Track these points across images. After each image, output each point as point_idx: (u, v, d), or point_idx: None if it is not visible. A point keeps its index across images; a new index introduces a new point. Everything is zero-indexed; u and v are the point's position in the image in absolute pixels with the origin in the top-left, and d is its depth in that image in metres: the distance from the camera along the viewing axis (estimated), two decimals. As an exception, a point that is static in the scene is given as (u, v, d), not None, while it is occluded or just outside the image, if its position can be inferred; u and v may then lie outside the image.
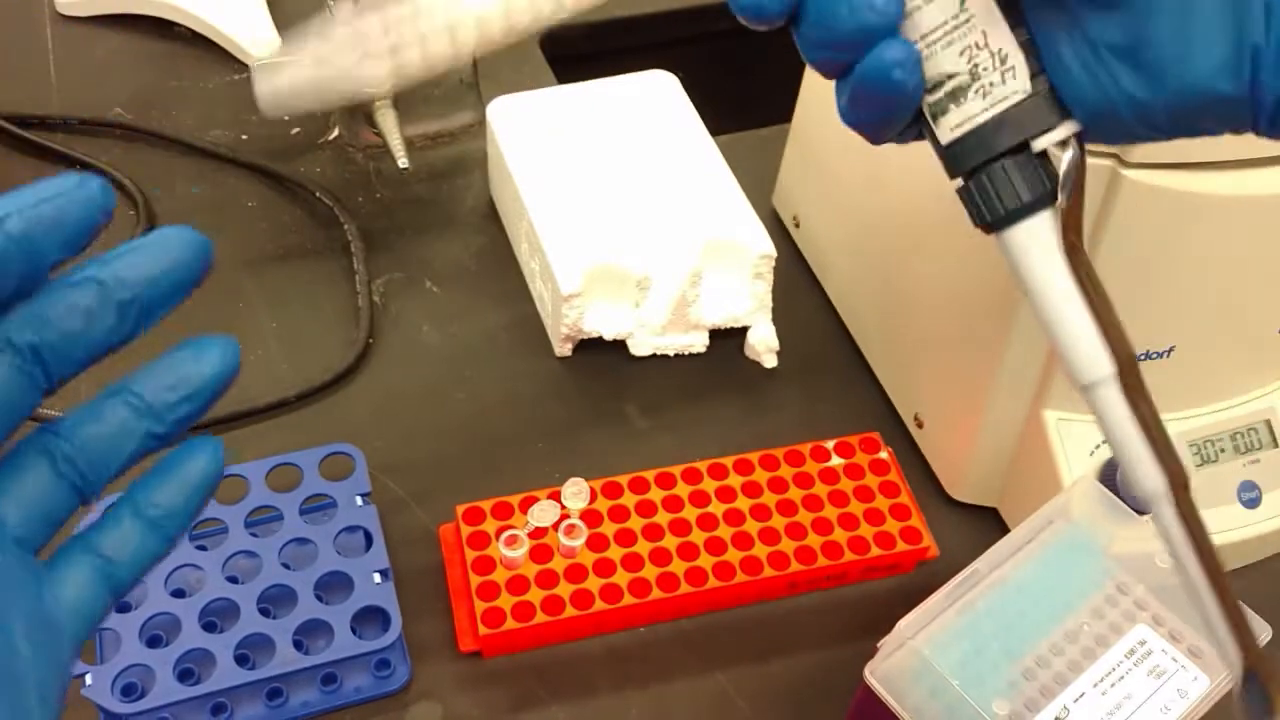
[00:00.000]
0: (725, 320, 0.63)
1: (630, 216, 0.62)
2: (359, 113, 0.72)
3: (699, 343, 0.63)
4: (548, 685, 0.51)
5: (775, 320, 0.63)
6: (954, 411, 0.56)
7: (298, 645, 0.48)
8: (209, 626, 0.48)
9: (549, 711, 0.50)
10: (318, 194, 0.70)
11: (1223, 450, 0.53)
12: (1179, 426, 0.53)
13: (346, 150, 0.74)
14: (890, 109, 0.30)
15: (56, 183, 0.28)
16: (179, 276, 0.31)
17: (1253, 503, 0.53)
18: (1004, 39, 0.29)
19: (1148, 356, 0.50)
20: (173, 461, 0.31)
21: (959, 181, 0.31)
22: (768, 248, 0.61)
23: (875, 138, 0.32)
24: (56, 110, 0.75)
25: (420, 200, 0.71)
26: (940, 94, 0.30)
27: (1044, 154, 0.29)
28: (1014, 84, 0.29)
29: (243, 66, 0.78)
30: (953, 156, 0.30)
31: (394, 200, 0.71)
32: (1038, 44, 0.29)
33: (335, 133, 0.74)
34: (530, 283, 0.66)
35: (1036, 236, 0.30)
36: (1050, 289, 0.30)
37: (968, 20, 0.29)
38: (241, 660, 0.47)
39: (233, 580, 0.50)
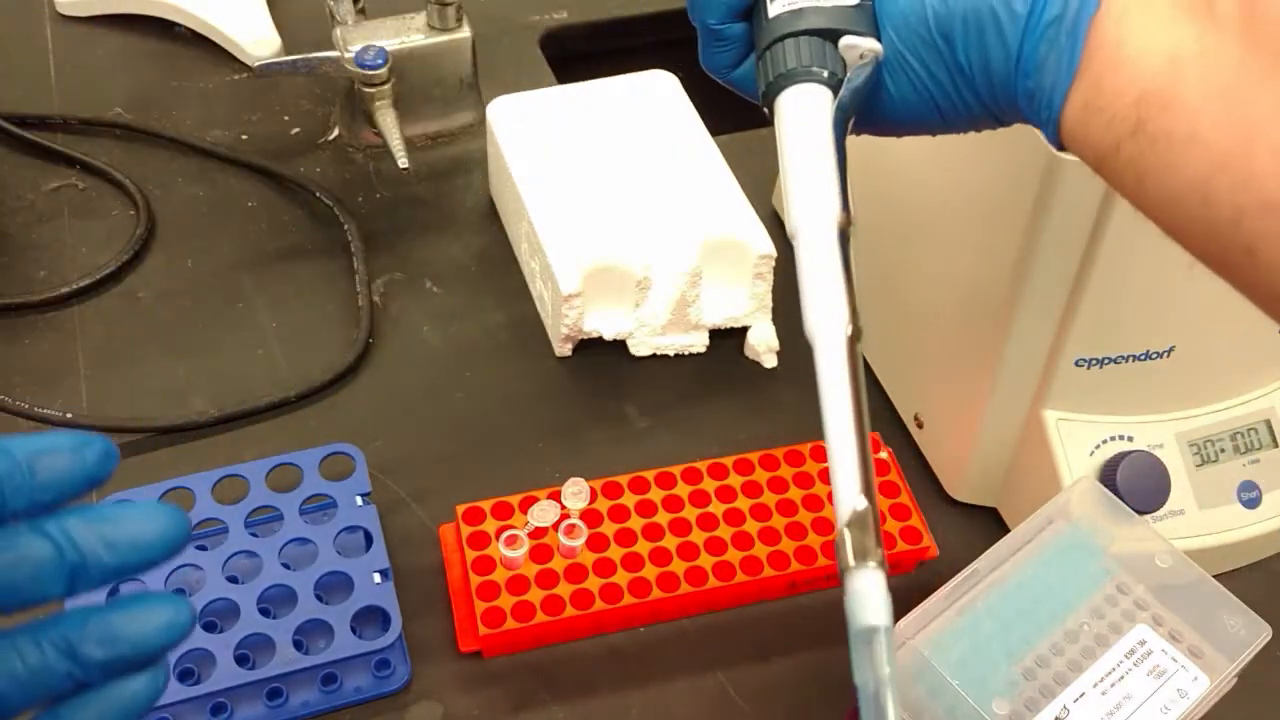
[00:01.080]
0: (725, 320, 0.63)
1: (630, 216, 0.62)
2: (359, 113, 0.72)
3: (699, 343, 0.63)
4: (548, 685, 0.51)
5: (775, 320, 0.63)
6: (954, 411, 0.56)
7: (298, 645, 0.48)
8: (209, 626, 0.48)
9: (549, 711, 0.50)
10: (318, 194, 0.70)
11: (1223, 450, 0.53)
12: (1179, 426, 0.53)
13: (346, 150, 0.74)
14: None
15: (58, 440, 0.29)
16: (146, 554, 0.31)
17: (1253, 502, 0.53)
18: None
19: (1148, 356, 0.50)
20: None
21: (761, 58, 0.35)
22: (768, 248, 0.61)
23: (711, 13, 0.36)
24: (56, 110, 0.75)
25: (420, 200, 0.71)
26: None
27: (842, 55, 0.34)
28: None
29: (243, 67, 0.78)
30: (771, 28, 0.34)
31: (394, 200, 0.71)
32: None
33: (335, 133, 0.74)
34: (530, 283, 0.66)
35: (810, 104, 0.34)
36: (809, 150, 0.34)
37: None
38: (241, 660, 0.47)
39: (233, 580, 0.50)
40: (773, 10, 0.35)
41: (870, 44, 0.34)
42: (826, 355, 0.32)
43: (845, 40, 0.33)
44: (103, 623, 0.30)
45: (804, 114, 0.34)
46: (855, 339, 0.33)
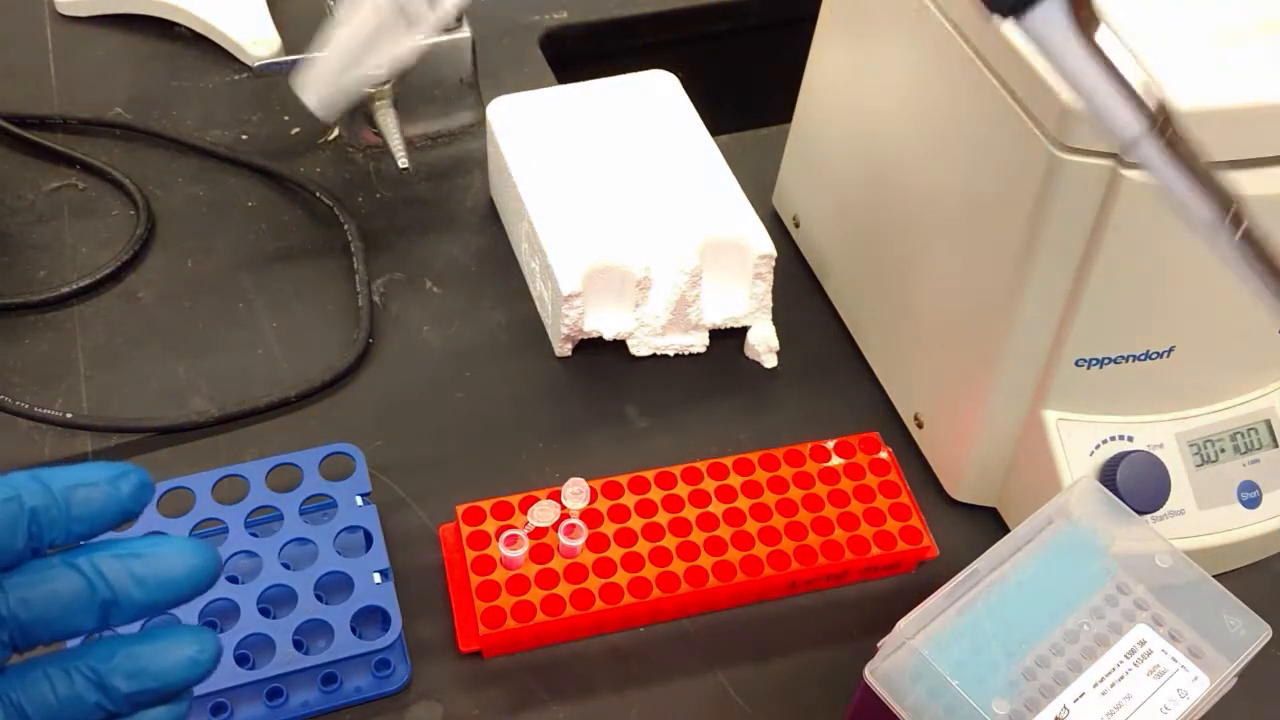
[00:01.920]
0: (725, 320, 0.63)
1: (630, 216, 0.62)
2: (359, 113, 0.72)
3: (699, 343, 0.63)
4: (548, 685, 0.51)
5: (775, 320, 0.63)
6: (954, 411, 0.56)
7: (298, 645, 0.48)
8: (209, 626, 0.48)
9: (549, 711, 0.50)
10: (318, 194, 0.70)
11: (1223, 450, 0.53)
12: (1179, 426, 0.53)
13: (346, 150, 0.74)
14: None
15: (94, 472, 0.30)
16: (176, 591, 0.32)
17: (1253, 503, 0.53)
18: None
19: (1148, 356, 0.50)
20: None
21: None
22: (768, 248, 0.61)
23: None
24: (57, 110, 0.75)
25: (420, 200, 0.71)
26: None
27: None
28: None
29: (243, 67, 0.78)
30: None
31: (394, 200, 0.71)
32: None
33: (335, 133, 0.74)
34: (530, 283, 0.66)
35: (1048, 20, 0.33)
36: (1073, 65, 0.33)
37: None
38: (241, 660, 0.47)
39: (233, 580, 0.50)
40: None
41: None
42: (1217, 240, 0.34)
43: None
44: (130, 655, 0.31)
45: (1051, 40, 0.33)
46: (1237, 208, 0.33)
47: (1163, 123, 0.33)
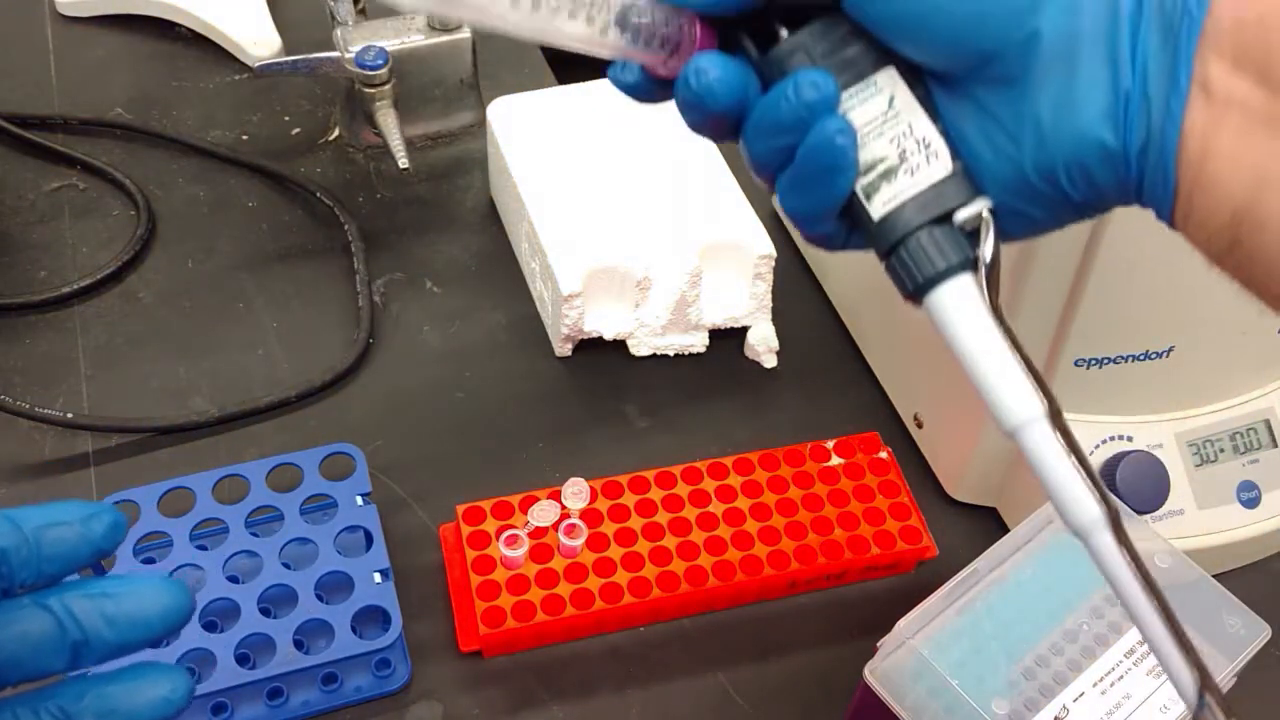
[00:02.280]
0: (725, 320, 0.63)
1: (630, 216, 0.62)
2: (359, 113, 0.72)
3: (699, 343, 0.63)
4: (548, 685, 0.51)
5: (775, 320, 0.63)
6: (953, 411, 0.56)
7: (298, 645, 0.48)
8: (209, 626, 0.48)
9: (549, 711, 0.50)
10: (318, 194, 0.70)
11: (1222, 450, 0.53)
12: (1179, 426, 0.53)
13: (346, 150, 0.74)
14: (830, 185, 0.33)
15: (67, 511, 0.30)
16: (148, 631, 0.31)
17: (1252, 502, 0.53)
18: (926, 128, 0.32)
19: (1148, 356, 0.50)
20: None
21: (888, 260, 0.34)
22: (768, 248, 0.61)
23: (813, 225, 0.34)
24: (57, 110, 0.75)
25: (420, 200, 0.71)
26: (873, 175, 0.32)
27: (962, 227, 0.32)
28: (937, 164, 0.32)
29: (243, 67, 0.78)
30: (882, 231, 0.33)
31: (394, 200, 0.71)
32: (949, 130, 0.32)
33: (335, 133, 0.74)
34: (530, 283, 0.66)
35: (961, 297, 0.32)
36: (978, 344, 0.32)
37: (895, 114, 0.32)
38: (242, 660, 0.47)
39: (233, 580, 0.50)
40: (875, 211, 0.33)
41: (982, 204, 0.32)
42: (1100, 549, 0.31)
43: (959, 216, 0.32)
44: (100, 695, 0.30)
45: (963, 311, 0.32)
46: (1116, 519, 0.31)
47: (1055, 411, 0.32)
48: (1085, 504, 0.31)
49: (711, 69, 0.32)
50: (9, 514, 0.30)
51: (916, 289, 0.33)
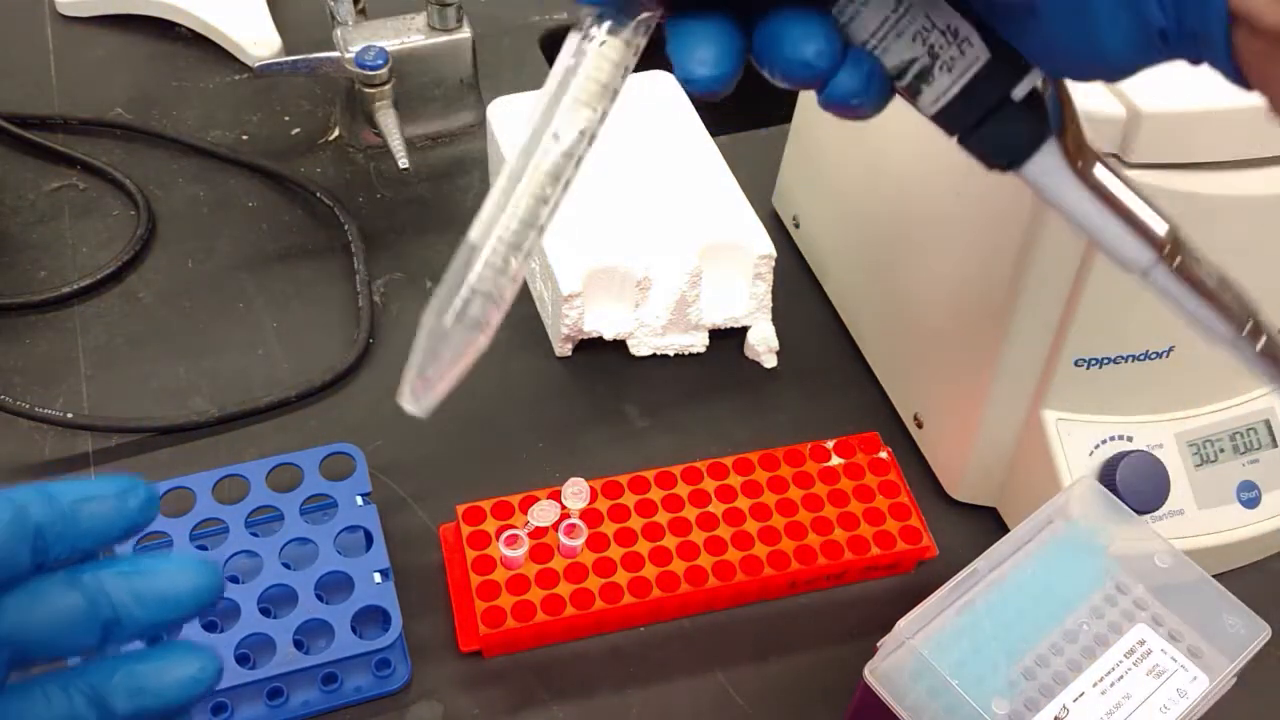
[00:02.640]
0: (725, 320, 0.63)
1: (630, 216, 0.62)
2: (359, 113, 0.72)
3: (699, 343, 0.63)
4: (548, 685, 0.51)
5: (775, 320, 0.63)
6: (953, 411, 0.56)
7: (298, 645, 0.48)
8: (209, 626, 0.48)
9: (549, 711, 0.50)
10: (318, 194, 0.70)
11: (1222, 450, 0.53)
12: (1179, 426, 0.53)
13: (346, 150, 0.74)
14: (862, 115, 0.32)
15: (102, 486, 0.30)
16: (179, 609, 0.31)
17: (1252, 502, 0.53)
18: (948, 15, 0.30)
19: (1147, 356, 0.50)
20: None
21: (974, 134, 0.32)
22: (768, 248, 0.61)
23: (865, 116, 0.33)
24: (57, 110, 0.75)
25: (420, 200, 0.71)
26: (909, 78, 0.31)
27: (1026, 98, 0.31)
28: (972, 52, 0.30)
29: (243, 67, 0.78)
30: (943, 124, 0.32)
31: (394, 200, 0.71)
32: (971, 4, 0.30)
33: (335, 133, 0.74)
34: (530, 283, 0.66)
35: (1045, 168, 0.32)
36: (1075, 206, 0.32)
37: (907, 10, 0.30)
38: (242, 660, 0.47)
39: (233, 580, 0.50)
40: (926, 110, 0.31)
41: (1033, 79, 0.31)
42: (1250, 359, 0.33)
43: (1016, 93, 0.30)
44: (130, 674, 0.30)
45: (1049, 178, 0.32)
46: (1255, 322, 0.33)
47: (1171, 249, 0.32)
48: (1220, 328, 0.33)
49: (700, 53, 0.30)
50: (45, 488, 0.30)
51: (1003, 168, 0.32)
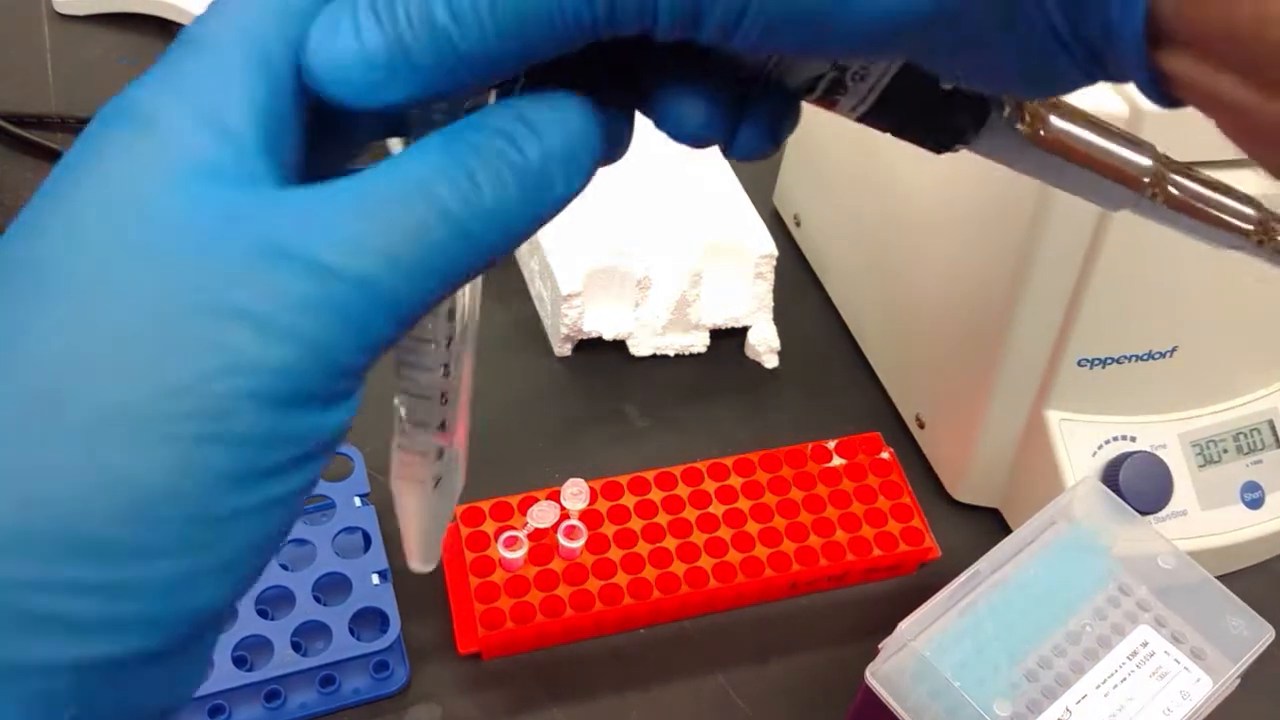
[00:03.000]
0: (726, 320, 0.62)
1: (630, 216, 0.62)
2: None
3: (699, 343, 0.63)
4: (547, 687, 0.50)
5: (776, 320, 0.63)
6: (956, 412, 0.56)
7: (296, 647, 0.48)
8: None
9: (549, 713, 0.50)
10: (317, 193, 0.70)
11: (1225, 451, 0.53)
12: (1182, 427, 0.52)
13: (346, 150, 0.74)
14: (772, 153, 0.30)
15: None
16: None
17: (1256, 503, 0.53)
18: None
19: (1150, 357, 0.50)
20: None
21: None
22: (768, 248, 0.61)
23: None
24: (54, 109, 0.74)
25: (419, 200, 0.71)
26: (819, 92, 0.29)
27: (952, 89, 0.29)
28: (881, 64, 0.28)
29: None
30: (871, 124, 0.30)
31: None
32: None
33: (334, 132, 0.74)
34: (530, 283, 0.66)
35: (995, 144, 0.30)
36: (1038, 169, 0.30)
37: None
38: (239, 662, 0.47)
39: (231, 581, 0.50)
40: (848, 116, 0.29)
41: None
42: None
43: (945, 81, 0.28)
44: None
45: (1004, 155, 0.30)
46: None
47: (1154, 178, 0.30)
48: (1226, 238, 0.31)
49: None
50: None
51: (944, 151, 0.30)
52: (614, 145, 0.28)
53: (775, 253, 0.61)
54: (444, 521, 0.31)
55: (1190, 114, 0.35)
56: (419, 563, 0.31)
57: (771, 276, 0.62)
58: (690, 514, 0.53)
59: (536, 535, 0.52)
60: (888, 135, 0.31)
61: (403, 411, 0.28)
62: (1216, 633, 0.44)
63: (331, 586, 0.50)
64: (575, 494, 0.53)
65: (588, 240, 0.61)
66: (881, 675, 0.42)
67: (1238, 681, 0.44)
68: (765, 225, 0.62)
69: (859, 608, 0.54)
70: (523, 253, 0.66)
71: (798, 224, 0.69)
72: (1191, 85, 0.24)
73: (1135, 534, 0.47)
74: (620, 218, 0.62)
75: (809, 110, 0.30)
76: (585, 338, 0.62)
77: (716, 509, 0.53)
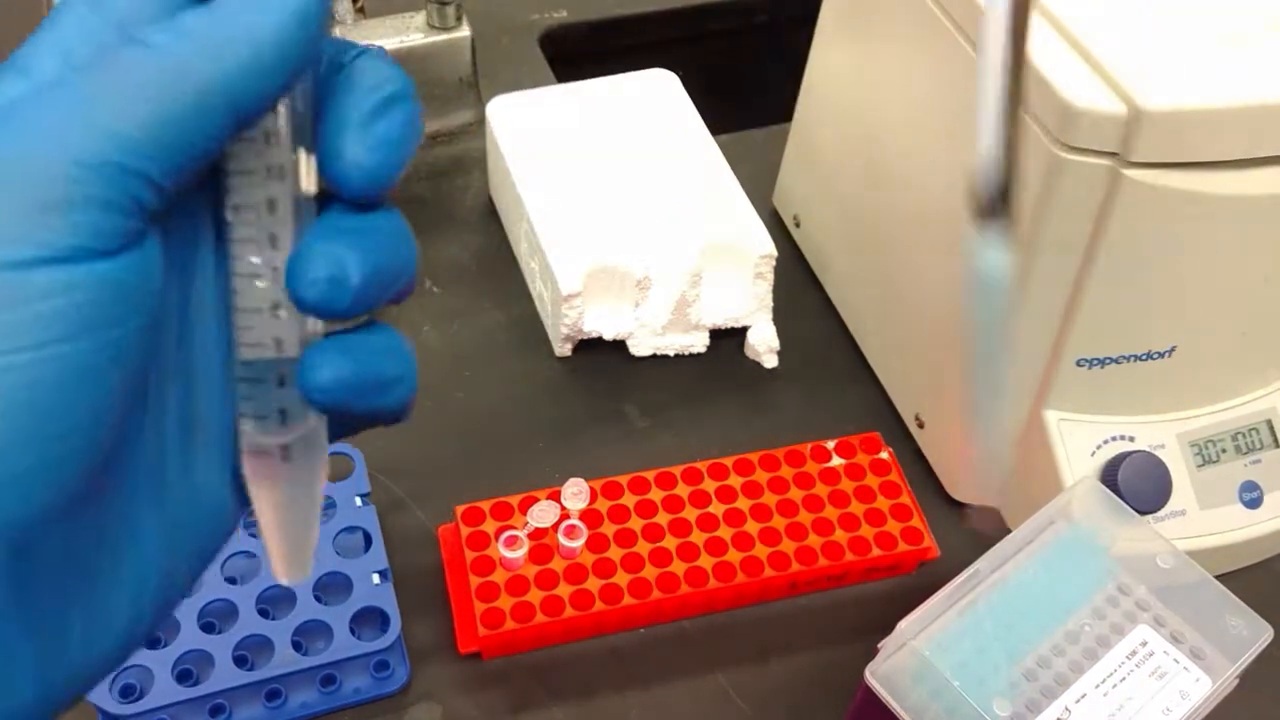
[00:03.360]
0: (725, 320, 0.62)
1: (630, 216, 0.62)
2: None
3: (699, 343, 0.63)
4: (547, 686, 0.51)
5: (775, 320, 0.63)
6: (955, 412, 0.56)
7: (296, 646, 0.48)
8: (207, 627, 0.48)
9: (549, 713, 0.50)
10: (317, 194, 0.70)
11: (1224, 451, 0.53)
12: (1181, 427, 0.53)
13: (346, 150, 0.74)
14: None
15: None
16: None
17: (1254, 503, 0.53)
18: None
19: (1149, 357, 0.50)
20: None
21: None
22: (768, 248, 0.61)
23: None
24: (55, 110, 0.74)
25: (419, 200, 0.71)
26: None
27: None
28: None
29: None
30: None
31: (394, 200, 0.71)
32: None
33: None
34: (530, 283, 0.66)
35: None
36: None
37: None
38: (240, 661, 0.47)
39: (231, 581, 0.50)
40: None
41: None
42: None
43: None
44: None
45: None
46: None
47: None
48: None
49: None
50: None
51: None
52: None
53: (775, 253, 0.61)
54: (312, 522, 0.28)
55: (1190, 114, 0.35)
56: (285, 572, 0.27)
57: (771, 276, 0.62)
58: (690, 514, 0.53)
59: (537, 535, 0.52)
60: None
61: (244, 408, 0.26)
62: (1215, 632, 0.44)
63: (332, 586, 0.50)
64: (575, 494, 0.53)
65: (588, 240, 0.61)
66: (881, 675, 0.43)
67: (1237, 681, 0.44)
68: (765, 225, 0.62)
69: (859, 607, 0.54)
70: (523, 253, 0.66)
71: (797, 224, 0.69)
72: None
73: (1134, 534, 0.47)
74: (620, 218, 0.62)
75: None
76: (585, 338, 0.62)
77: (716, 509, 0.53)
